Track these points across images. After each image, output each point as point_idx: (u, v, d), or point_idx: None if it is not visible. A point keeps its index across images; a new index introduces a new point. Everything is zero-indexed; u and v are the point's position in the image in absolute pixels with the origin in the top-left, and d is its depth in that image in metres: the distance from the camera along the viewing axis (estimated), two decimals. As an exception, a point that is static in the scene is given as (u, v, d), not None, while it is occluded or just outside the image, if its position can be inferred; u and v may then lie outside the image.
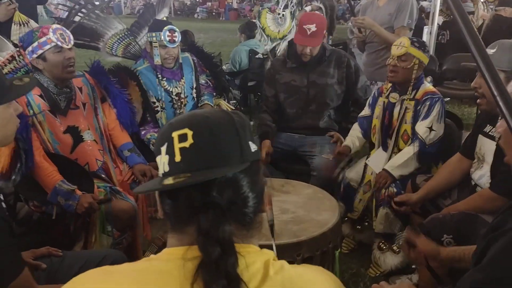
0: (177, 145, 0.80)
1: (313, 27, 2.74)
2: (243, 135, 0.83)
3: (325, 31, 2.85)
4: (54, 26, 2.22)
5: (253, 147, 0.85)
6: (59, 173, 2.16)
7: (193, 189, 0.78)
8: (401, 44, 2.43)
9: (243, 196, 0.81)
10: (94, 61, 2.55)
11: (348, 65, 2.95)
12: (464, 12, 0.79)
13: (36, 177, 2.13)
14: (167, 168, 0.81)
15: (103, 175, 2.38)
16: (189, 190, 0.78)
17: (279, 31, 3.97)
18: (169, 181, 0.78)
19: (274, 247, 1.30)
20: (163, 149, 0.82)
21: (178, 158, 0.80)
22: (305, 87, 2.96)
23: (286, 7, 3.99)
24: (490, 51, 1.94)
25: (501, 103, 0.78)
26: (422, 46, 2.44)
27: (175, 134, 0.80)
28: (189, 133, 0.80)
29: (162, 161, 0.82)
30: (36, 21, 3.10)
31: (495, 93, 0.77)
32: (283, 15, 3.94)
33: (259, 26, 4.09)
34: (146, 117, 2.85)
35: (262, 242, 1.87)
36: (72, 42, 2.25)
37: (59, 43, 2.17)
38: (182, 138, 0.80)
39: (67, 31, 2.26)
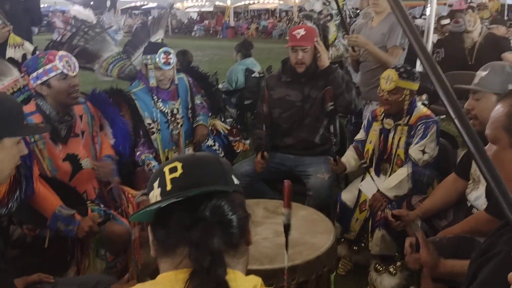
0: (168, 177, 0.88)
1: (301, 31, 2.85)
2: (226, 168, 0.92)
3: (316, 38, 2.90)
4: (61, 53, 2.21)
5: (236, 181, 0.93)
6: (56, 196, 2.14)
7: (182, 210, 0.84)
8: (389, 79, 2.45)
9: (227, 218, 0.86)
10: (93, 89, 2.57)
11: (339, 76, 2.92)
12: (412, 26, 0.77)
13: (34, 203, 2.10)
14: (159, 199, 0.88)
15: (101, 204, 2.37)
16: (178, 211, 0.85)
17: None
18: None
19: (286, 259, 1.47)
20: (156, 184, 0.89)
21: (169, 187, 0.87)
22: (300, 101, 2.97)
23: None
24: (482, 73, 1.96)
25: (456, 121, 0.76)
26: (411, 75, 2.45)
27: (166, 168, 0.89)
28: (179, 165, 0.88)
29: (155, 194, 0.89)
30: (31, 42, 3.10)
31: (450, 112, 0.76)
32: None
33: None
34: (140, 137, 2.84)
35: (256, 266, 1.85)
36: (77, 70, 2.25)
37: (65, 70, 2.16)
38: (173, 170, 0.88)
39: (73, 57, 2.25)
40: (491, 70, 1.95)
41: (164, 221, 0.87)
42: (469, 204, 2.10)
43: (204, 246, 0.81)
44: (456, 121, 0.71)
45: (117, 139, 2.52)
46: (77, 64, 2.26)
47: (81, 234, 2.07)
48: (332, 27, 4.37)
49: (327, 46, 4.62)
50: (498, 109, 1.17)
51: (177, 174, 0.87)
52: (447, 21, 6.58)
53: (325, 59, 2.91)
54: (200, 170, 0.89)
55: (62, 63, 2.16)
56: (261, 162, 2.94)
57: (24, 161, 1.97)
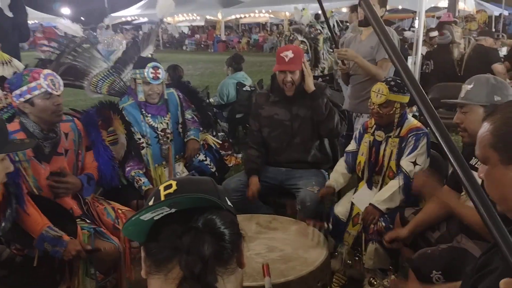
0: (162, 194, 0.89)
1: (289, 53, 2.81)
2: (220, 189, 0.94)
3: (303, 59, 2.89)
4: (45, 71, 2.18)
5: (229, 203, 0.93)
6: (44, 217, 2.10)
7: (175, 222, 0.85)
8: (380, 92, 2.46)
9: (219, 230, 0.86)
10: (86, 110, 2.55)
11: (323, 103, 2.91)
12: (387, 35, 0.77)
13: (21, 222, 2.06)
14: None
15: (87, 220, 2.32)
16: (171, 224, 0.85)
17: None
18: None
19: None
20: (151, 202, 0.89)
21: None
22: (288, 120, 2.96)
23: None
24: (467, 86, 1.97)
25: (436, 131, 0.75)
26: (401, 89, 2.46)
27: (161, 187, 0.91)
28: (173, 183, 0.91)
29: None
30: (19, 59, 3.08)
31: (431, 126, 0.75)
32: None
33: None
34: (131, 152, 2.80)
35: (249, 283, 1.83)
36: (62, 88, 2.22)
37: (49, 89, 2.13)
38: (167, 187, 0.90)
39: (57, 76, 2.23)
40: (476, 83, 1.96)
41: (157, 235, 0.87)
42: (461, 216, 2.09)
43: (195, 253, 0.81)
44: (442, 142, 0.71)
45: (99, 165, 2.45)
46: (61, 83, 2.23)
47: (67, 257, 2.03)
48: (321, 40, 4.46)
49: (318, 59, 4.68)
50: (484, 127, 1.14)
51: (171, 190, 0.88)
52: (435, 33, 6.67)
53: (310, 84, 2.86)
54: (194, 188, 0.90)
55: (47, 81, 2.13)
56: (254, 191, 2.86)
57: (12, 179, 1.94)
